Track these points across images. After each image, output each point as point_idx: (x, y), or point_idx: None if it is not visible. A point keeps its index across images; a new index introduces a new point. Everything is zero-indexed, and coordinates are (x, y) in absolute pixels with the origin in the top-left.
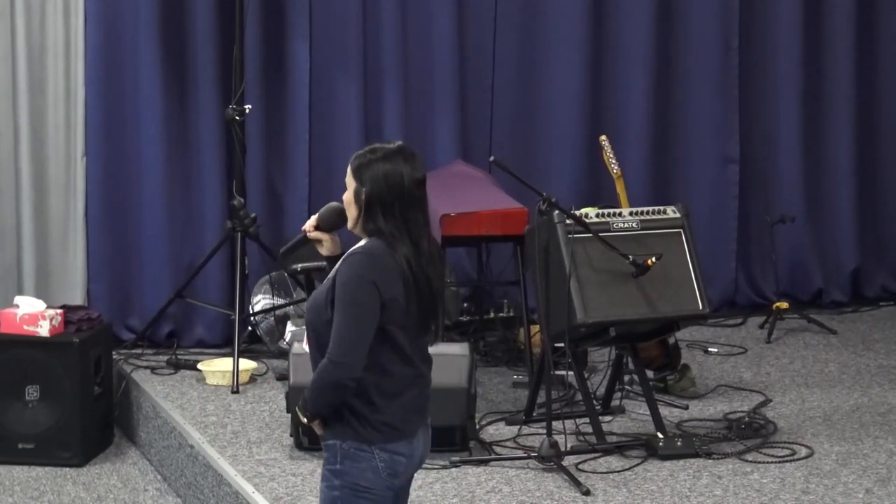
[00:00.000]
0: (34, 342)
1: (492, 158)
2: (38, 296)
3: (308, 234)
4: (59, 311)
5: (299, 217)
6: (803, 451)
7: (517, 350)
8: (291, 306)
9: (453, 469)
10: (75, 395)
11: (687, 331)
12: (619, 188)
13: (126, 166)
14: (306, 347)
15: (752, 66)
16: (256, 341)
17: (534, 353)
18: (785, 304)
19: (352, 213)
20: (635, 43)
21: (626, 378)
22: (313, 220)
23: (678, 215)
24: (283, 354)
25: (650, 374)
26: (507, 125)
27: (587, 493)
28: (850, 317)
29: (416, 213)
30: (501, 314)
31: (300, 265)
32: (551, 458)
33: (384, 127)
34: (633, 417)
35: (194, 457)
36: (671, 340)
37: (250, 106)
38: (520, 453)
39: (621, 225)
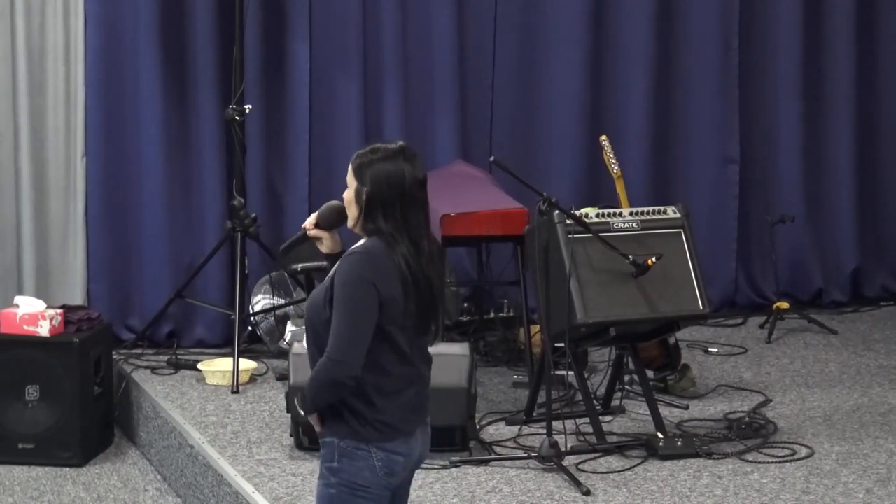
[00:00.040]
0: (34, 342)
1: (492, 158)
2: (38, 296)
3: (308, 231)
4: (59, 311)
5: (299, 217)
6: (803, 452)
7: (517, 350)
8: (291, 306)
9: (453, 469)
10: (75, 395)
11: (687, 331)
12: (620, 188)
13: (126, 167)
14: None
15: (752, 66)
16: (256, 341)
17: (534, 353)
18: (785, 304)
19: (352, 212)
20: (635, 43)
21: (627, 378)
22: (313, 217)
23: (678, 215)
24: (284, 354)
25: (650, 374)
26: (507, 125)
27: (587, 493)
28: (850, 317)
29: (417, 213)
30: (501, 314)
31: (300, 265)
32: (551, 458)
33: (384, 127)
34: (634, 417)
35: (194, 457)
36: (671, 340)
37: (250, 106)
38: (520, 453)
39: (621, 225)
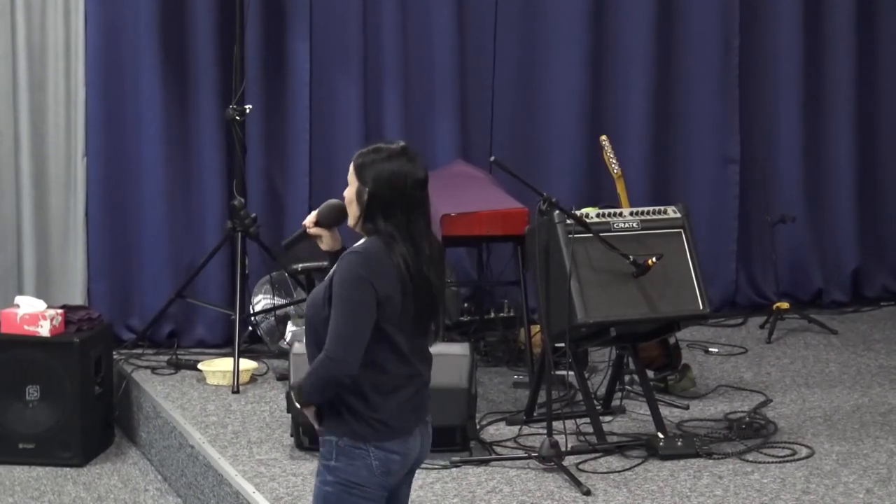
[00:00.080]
0: (35, 342)
1: (492, 158)
2: (38, 296)
3: (308, 229)
4: (60, 310)
5: (299, 217)
6: (804, 451)
7: (517, 350)
8: (292, 306)
9: (454, 469)
10: (76, 395)
11: (687, 331)
12: (620, 188)
13: (126, 166)
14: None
15: (752, 66)
16: (257, 341)
17: (534, 353)
18: (785, 304)
19: (353, 211)
20: (635, 43)
21: (627, 378)
22: (313, 215)
23: (678, 215)
24: (284, 354)
25: (651, 374)
26: (507, 125)
27: (588, 493)
28: (850, 317)
29: (418, 213)
30: (502, 314)
31: (301, 265)
32: (552, 458)
33: (384, 127)
34: (634, 417)
35: (195, 457)
36: (672, 340)
37: (250, 106)
38: (520, 453)
39: (622, 225)
